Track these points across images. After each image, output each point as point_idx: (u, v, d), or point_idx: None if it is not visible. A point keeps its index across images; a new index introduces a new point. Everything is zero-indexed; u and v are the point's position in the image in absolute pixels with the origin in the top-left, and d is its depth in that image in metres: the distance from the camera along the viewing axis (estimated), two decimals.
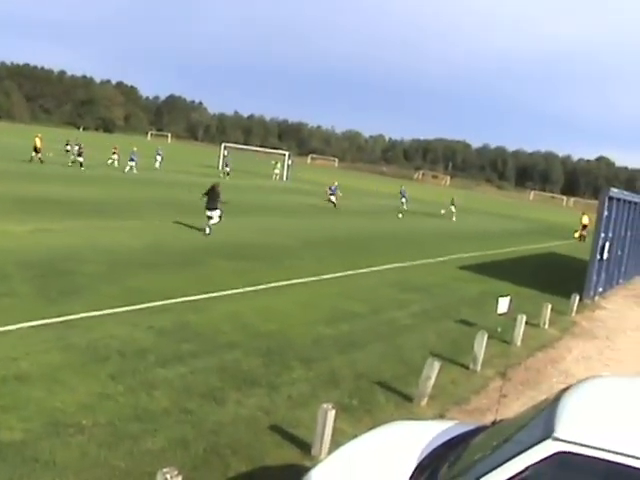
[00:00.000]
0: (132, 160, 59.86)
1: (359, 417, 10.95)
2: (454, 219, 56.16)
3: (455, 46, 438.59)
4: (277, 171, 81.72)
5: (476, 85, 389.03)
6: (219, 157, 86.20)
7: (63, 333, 12.89)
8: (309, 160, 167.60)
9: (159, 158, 67.81)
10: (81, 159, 54.73)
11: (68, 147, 66.25)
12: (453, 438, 7.07)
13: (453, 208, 57.52)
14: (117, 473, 8.17)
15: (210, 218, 29.10)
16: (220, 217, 29.50)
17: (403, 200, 58.92)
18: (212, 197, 29.36)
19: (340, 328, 16.42)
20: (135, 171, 58.60)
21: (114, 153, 61.89)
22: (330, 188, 52.43)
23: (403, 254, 30.42)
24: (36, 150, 54.04)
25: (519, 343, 17.29)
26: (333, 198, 51.36)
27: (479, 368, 14.50)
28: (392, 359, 14.52)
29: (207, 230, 28.81)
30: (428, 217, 54.90)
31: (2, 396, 9.75)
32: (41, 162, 52.96)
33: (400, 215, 41.72)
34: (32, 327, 13.01)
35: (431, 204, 60.96)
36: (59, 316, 13.83)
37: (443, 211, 57.66)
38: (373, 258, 28.09)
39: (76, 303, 14.99)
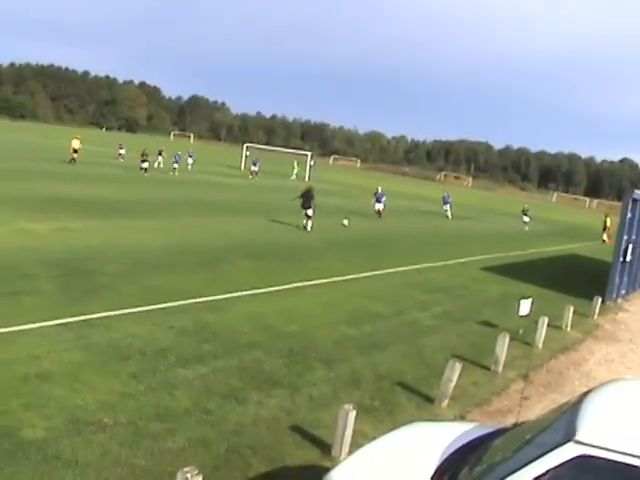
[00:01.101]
0: (176, 162, 60.78)
1: (380, 418, 10.93)
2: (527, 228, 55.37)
3: (478, 46, 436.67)
4: (296, 171, 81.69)
5: (498, 86, 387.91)
6: (242, 157, 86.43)
7: (84, 332, 12.95)
8: (331, 161, 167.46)
9: (190, 160, 68.04)
10: (145, 165, 54.96)
11: (122, 151, 67.22)
12: (474, 440, 7.04)
13: (526, 218, 56.72)
14: (138, 472, 8.20)
15: (308, 217, 33.53)
16: (311, 215, 33.60)
17: (447, 207, 56.77)
18: (307, 198, 33.63)
19: (362, 329, 16.40)
20: (177, 173, 59.18)
21: (160, 154, 62.55)
22: (375, 194, 46.58)
23: (426, 255, 30.37)
24: (75, 151, 54.34)
25: (541, 345, 17.19)
26: (380, 207, 45.82)
27: (501, 370, 14.44)
28: (414, 360, 14.49)
29: (308, 227, 33.51)
30: (453, 218, 54.66)
31: (24, 394, 9.81)
32: (74, 163, 53.18)
33: (345, 222, 37.20)
34: (54, 326, 13.08)
35: (456, 205, 60.57)
36: (81, 315, 13.90)
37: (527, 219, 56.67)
38: (396, 259, 28.06)
39: (97, 302, 15.06)
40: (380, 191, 45.93)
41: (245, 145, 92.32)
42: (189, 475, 6.28)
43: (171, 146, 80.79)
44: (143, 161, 54.55)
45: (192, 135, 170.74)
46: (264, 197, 49.29)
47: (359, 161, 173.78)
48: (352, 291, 20.66)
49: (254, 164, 73.31)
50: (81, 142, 55.23)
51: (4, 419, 9.00)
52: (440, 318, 18.84)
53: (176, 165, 60.76)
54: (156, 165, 61.15)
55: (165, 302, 15.90)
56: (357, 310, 18.30)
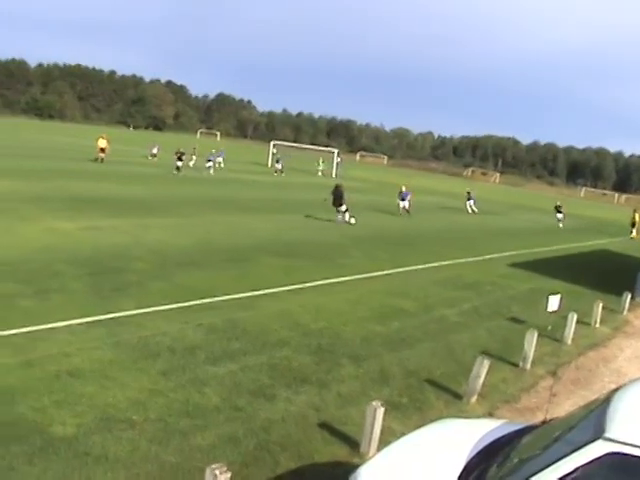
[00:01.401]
0: (210, 161, 61.01)
1: (408, 415, 10.93)
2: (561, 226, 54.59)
3: (503, 41, 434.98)
4: (321, 168, 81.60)
5: (525, 81, 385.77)
6: (269, 155, 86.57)
7: (114, 329, 13.06)
8: (358, 157, 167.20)
9: (220, 159, 68.18)
10: (180, 164, 54.78)
11: (154, 150, 67.95)
12: (502, 437, 7.03)
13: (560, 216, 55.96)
14: (167, 468, 8.26)
15: (343, 212, 34.92)
16: (346, 211, 35.03)
17: (471, 202, 56.53)
18: (337, 195, 35.01)
19: (390, 326, 16.39)
20: (212, 172, 59.24)
21: (193, 154, 62.59)
22: (400, 193, 45.76)
23: (453, 251, 30.27)
24: (101, 150, 54.65)
25: (570, 341, 17.09)
26: (405, 205, 45.10)
27: (529, 366, 14.38)
28: (442, 357, 14.47)
29: (352, 221, 34.88)
30: (480, 214, 54.39)
31: (55, 391, 9.91)
32: (101, 161, 53.48)
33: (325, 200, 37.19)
34: (84, 323, 13.20)
35: (483, 201, 60.26)
36: (110, 313, 14.02)
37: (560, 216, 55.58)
38: (423, 255, 28.02)
39: (126, 300, 15.18)
40: (404, 190, 45.63)
41: (272, 143, 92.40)
42: (218, 472, 6.32)
43: (198, 144, 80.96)
44: (179, 159, 54.50)
45: (219, 133, 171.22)
46: (290, 195, 49.30)
47: (386, 158, 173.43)
48: (379, 288, 20.65)
49: (277, 162, 73.39)
50: (108, 141, 55.43)
51: (35, 416, 9.11)
52: (468, 314, 18.79)
53: (210, 164, 60.81)
54: (191, 164, 61.26)
55: (194, 300, 15.98)
56: (385, 307, 18.29)
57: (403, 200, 45.10)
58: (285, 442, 9.35)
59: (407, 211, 44.64)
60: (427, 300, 19.79)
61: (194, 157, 62.46)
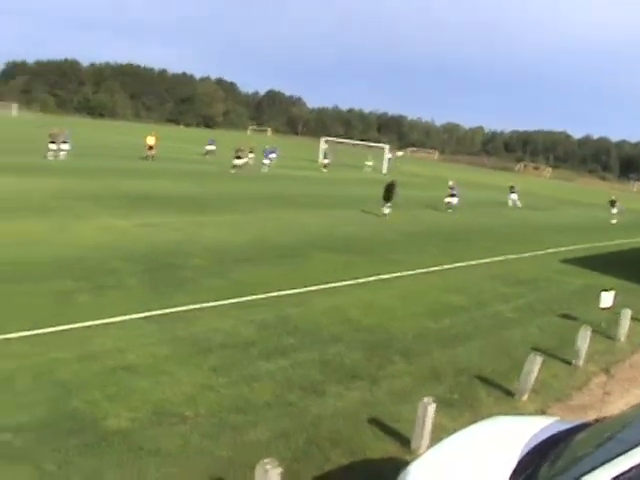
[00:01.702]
0: (267, 158, 60.84)
1: (460, 411, 10.90)
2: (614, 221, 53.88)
3: (554, 33, 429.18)
4: (369, 164, 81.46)
5: (577, 74, 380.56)
6: (320, 151, 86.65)
7: (168, 325, 13.23)
8: (409, 152, 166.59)
9: (274, 155, 68.26)
10: (238, 162, 54.43)
11: (209, 147, 68.61)
12: (555, 435, 6.98)
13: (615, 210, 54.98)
14: (219, 462, 8.35)
15: (387, 207, 35.89)
16: (390, 207, 36.03)
17: (514, 196, 55.82)
18: (389, 190, 36.14)
19: (442, 322, 16.35)
20: (267, 170, 59.06)
21: (250, 152, 62.54)
22: (451, 189, 44.83)
23: (506, 247, 30.05)
24: (150, 148, 55.24)
25: (623, 339, 16.80)
26: (453, 201, 44.26)
27: (582, 364, 14.23)
28: (494, 353, 14.39)
29: (386, 212, 35.87)
30: (531, 210, 53.94)
31: (110, 386, 10.09)
32: (152, 159, 54.06)
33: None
34: (139, 319, 13.42)
35: (534, 196, 59.82)
36: (164, 308, 14.21)
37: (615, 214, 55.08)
38: (476, 251, 27.88)
39: (180, 296, 15.36)
40: (452, 184, 45.34)
41: (322, 139, 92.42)
42: (269, 467, 6.38)
43: (248, 141, 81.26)
44: (237, 158, 54.33)
45: (269, 130, 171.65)
46: (341, 190, 49.38)
47: (437, 153, 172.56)
48: (431, 283, 20.59)
49: (325, 157, 73.48)
50: (156, 138, 55.84)
51: (90, 409, 9.29)
52: (521, 310, 18.64)
53: (267, 161, 60.63)
54: (250, 162, 61.14)
55: (247, 295, 16.11)
56: (437, 303, 18.25)
57: (452, 196, 44.57)
58: (336, 438, 9.39)
59: (451, 207, 44.17)
60: (480, 296, 19.69)
61: (251, 155, 62.51)
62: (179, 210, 28.80)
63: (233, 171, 52.71)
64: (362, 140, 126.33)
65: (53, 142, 45.23)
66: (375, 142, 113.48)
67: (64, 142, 47.19)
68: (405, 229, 32.23)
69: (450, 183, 45.68)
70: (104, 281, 15.98)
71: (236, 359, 11.91)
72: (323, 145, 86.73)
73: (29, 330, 12.08)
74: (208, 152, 67.66)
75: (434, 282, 20.86)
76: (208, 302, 15.13)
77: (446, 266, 23.64)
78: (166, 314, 13.94)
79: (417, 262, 23.41)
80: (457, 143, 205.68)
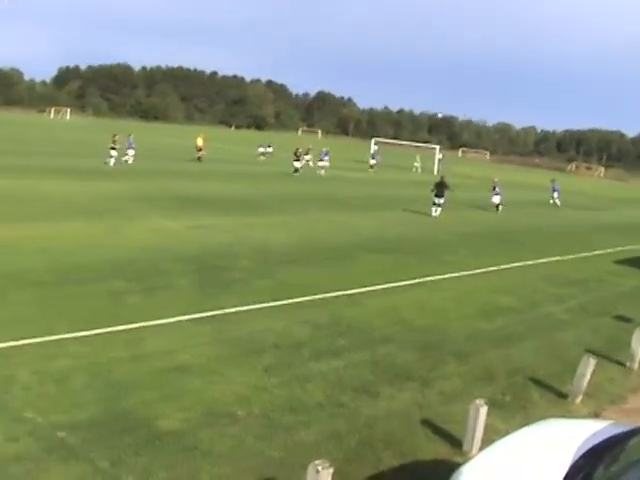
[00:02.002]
0: (322, 160, 60.59)
1: (512, 414, 10.81)
2: None
3: (607, 31, 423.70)
4: (418, 165, 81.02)
5: (631, 72, 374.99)
6: (370, 152, 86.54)
7: (220, 326, 13.32)
8: (460, 153, 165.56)
9: (327, 158, 68.32)
10: (298, 164, 54.50)
11: (264, 149, 68.96)
12: (609, 438, 6.89)
13: None
14: (271, 463, 8.37)
15: (438, 205, 36.27)
16: (441, 204, 36.37)
17: (555, 194, 55.00)
18: (440, 187, 36.63)
19: (495, 322, 16.24)
20: (323, 172, 58.65)
21: (307, 153, 62.57)
22: (494, 187, 44.48)
23: (558, 247, 29.73)
24: (199, 149, 55.67)
25: None
26: (496, 200, 43.86)
27: (637, 366, 14.04)
28: (547, 355, 14.23)
29: (435, 213, 36.14)
30: (583, 210, 53.35)
31: (162, 386, 10.19)
32: (200, 160, 54.50)
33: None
34: (190, 320, 13.53)
35: (586, 196, 59.15)
36: (215, 309, 14.30)
37: None
38: (528, 251, 27.59)
39: (231, 297, 15.46)
40: (496, 182, 44.85)
41: (373, 140, 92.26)
42: (320, 467, 6.39)
43: (302, 143, 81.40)
44: (296, 160, 54.29)
45: (320, 131, 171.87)
46: (391, 191, 49.38)
47: (488, 153, 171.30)
48: (483, 284, 20.47)
49: (373, 157, 73.50)
50: (204, 140, 56.24)
51: (142, 410, 9.39)
52: (574, 312, 18.44)
53: (322, 163, 60.30)
54: (310, 164, 61.45)
55: (298, 297, 16.15)
56: (489, 303, 18.12)
57: (496, 195, 44.02)
58: (387, 439, 9.37)
59: (497, 207, 43.63)
60: (532, 297, 19.51)
61: (308, 156, 62.56)
62: (230, 211, 29.06)
63: (297, 174, 52.76)
64: (412, 141, 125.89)
65: (114, 148, 45.67)
66: (425, 143, 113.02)
67: (130, 148, 47.87)
68: (456, 230, 32.11)
69: (495, 180, 45.43)
70: (155, 282, 16.18)
71: (289, 360, 11.94)
72: (374, 146, 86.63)
73: (84, 330, 12.25)
74: (263, 154, 68.01)
75: (486, 283, 20.75)
76: (259, 303, 15.20)
77: (496, 267, 23.44)
78: (218, 315, 14.04)
79: (469, 263, 23.28)
80: (509, 143, 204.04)
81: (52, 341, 11.68)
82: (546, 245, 30.55)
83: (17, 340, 11.47)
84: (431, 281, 19.99)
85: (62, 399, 9.49)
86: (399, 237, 27.87)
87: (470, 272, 21.85)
